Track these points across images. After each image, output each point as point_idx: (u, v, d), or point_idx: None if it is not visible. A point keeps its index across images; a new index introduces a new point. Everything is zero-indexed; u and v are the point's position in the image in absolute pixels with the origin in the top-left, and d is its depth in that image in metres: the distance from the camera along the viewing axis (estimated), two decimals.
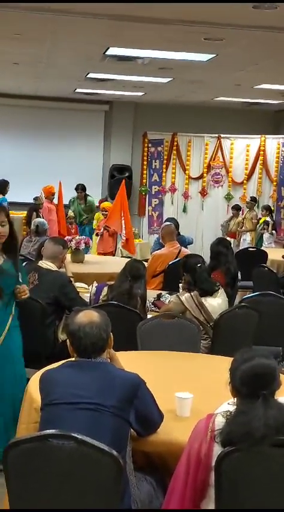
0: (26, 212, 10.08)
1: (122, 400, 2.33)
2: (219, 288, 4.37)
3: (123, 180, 9.28)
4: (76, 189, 10.67)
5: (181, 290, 4.99)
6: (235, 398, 2.21)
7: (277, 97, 10.49)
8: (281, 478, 2.10)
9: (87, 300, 4.62)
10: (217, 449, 2.11)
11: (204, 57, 7.11)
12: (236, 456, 2.06)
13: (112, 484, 2.11)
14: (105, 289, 4.46)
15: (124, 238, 8.17)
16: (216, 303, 4.26)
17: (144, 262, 4.91)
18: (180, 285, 5.13)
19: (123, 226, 8.11)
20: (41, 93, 11.55)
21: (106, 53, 7.17)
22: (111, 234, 8.66)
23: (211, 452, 2.13)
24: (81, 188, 10.68)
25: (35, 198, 9.97)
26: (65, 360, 2.67)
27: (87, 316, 2.49)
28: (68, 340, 2.56)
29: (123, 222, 8.06)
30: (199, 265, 4.35)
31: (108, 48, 6.93)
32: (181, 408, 2.73)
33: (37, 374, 3.06)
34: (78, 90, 10.84)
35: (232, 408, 2.19)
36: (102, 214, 9.21)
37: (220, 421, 2.15)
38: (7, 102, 11.94)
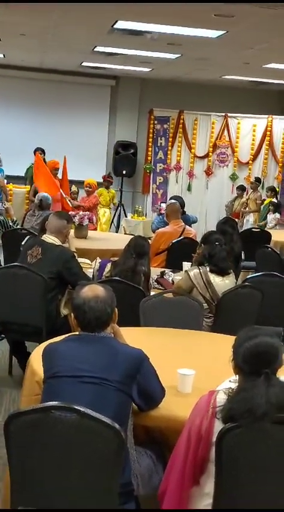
0: (29, 186, 10.06)
1: (125, 375, 2.34)
2: (231, 273, 4.36)
3: (37, 153, 9.28)
4: (34, 152, 9.98)
5: (184, 267, 4.99)
6: (237, 376, 2.22)
7: None
8: (281, 455, 2.11)
9: (90, 275, 4.62)
10: (218, 426, 2.12)
11: (213, 33, 7.00)
12: (237, 432, 2.07)
13: (113, 457, 2.12)
14: (109, 265, 4.45)
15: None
16: (223, 283, 4.24)
17: (148, 240, 4.89)
18: (184, 262, 5.14)
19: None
20: (46, 65, 11.39)
21: (114, 26, 7.06)
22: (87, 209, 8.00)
23: (212, 429, 2.14)
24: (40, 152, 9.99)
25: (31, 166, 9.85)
26: (68, 334, 2.68)
27: (92, 291, 2.49)
28: (72, 314, 2.56)
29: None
30: (218, 243, 4.31)
31: (116, 21, 6.83)
32: (183, 384, 2.74)
33: (39, 347, 3.08)
34: (84, 63, 10.69)
35: (233, 385, 2.20)
36: (85, 190, 8.79)
37: (221, 398, 2.16)
38: (11, 73, 11.72)
